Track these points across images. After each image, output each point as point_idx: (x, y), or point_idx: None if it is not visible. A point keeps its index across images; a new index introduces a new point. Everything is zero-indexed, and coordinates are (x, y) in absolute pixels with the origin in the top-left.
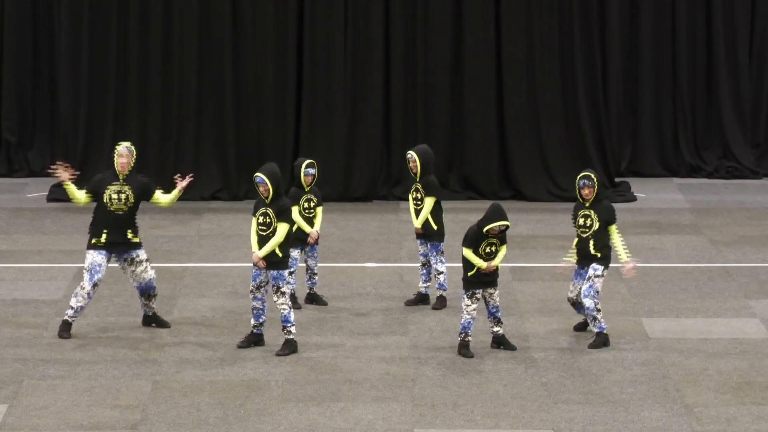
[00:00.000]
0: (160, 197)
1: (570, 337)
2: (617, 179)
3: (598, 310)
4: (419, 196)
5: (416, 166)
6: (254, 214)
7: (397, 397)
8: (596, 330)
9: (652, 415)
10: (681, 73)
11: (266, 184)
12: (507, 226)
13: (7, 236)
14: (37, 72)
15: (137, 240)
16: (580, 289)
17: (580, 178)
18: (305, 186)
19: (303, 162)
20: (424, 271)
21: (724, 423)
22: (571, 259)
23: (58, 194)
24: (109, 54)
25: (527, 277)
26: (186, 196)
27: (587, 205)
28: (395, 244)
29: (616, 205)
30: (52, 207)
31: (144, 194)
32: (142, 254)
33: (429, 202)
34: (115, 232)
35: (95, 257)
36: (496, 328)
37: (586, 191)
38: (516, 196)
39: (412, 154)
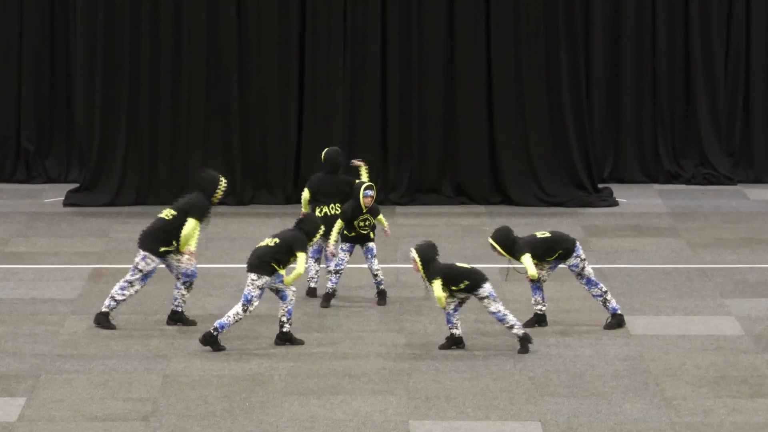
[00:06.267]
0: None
1: (556, 334)
2: (600, 185)
3: (605, 292)
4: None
5: None
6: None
7: (393, 391)
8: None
9: (633, 408)
10: (661, 86)
11: None
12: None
13: (25, 239)
14: (54, 85)
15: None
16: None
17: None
18: (364, 208)
19: (362, 185)
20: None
21: (701, 415)
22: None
23: (74, 199)
24: (122, 67)
25: (516, 277)
26: None
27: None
28: (391, 246)
29: (599, 210)
30: (68, 211)
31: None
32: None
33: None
34: None
35: None
36: (513, 331)
37: (496, 254)
38: (505, 201)
39: None
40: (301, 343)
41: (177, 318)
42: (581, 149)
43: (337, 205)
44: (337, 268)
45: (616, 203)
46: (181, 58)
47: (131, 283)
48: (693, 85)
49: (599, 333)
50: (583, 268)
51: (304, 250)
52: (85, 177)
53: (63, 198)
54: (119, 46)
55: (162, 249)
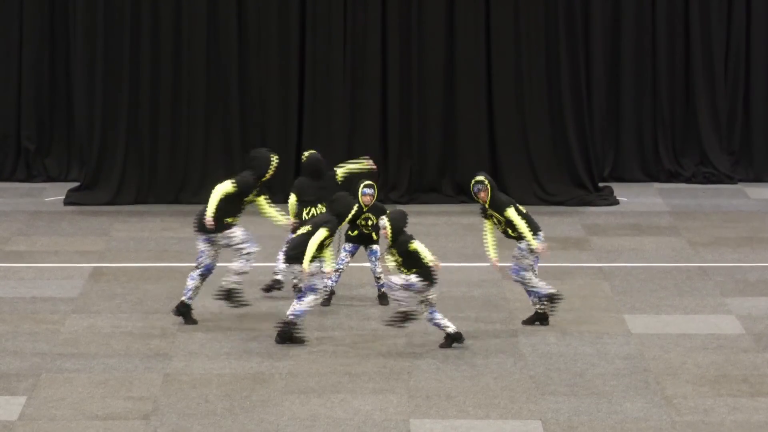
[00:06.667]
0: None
1: (556, 333)
2: (601, 184)
3: (528, 280)
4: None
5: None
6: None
7: (394, 389)
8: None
9: (634, 406)
10: (661, 85)
11: None
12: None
13: (26, 238)
14: (54, 84)
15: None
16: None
17: (473, 184)
18: (363, 206)
19: (361, 183)
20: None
21: (702, 414)
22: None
23: (75, 198)
24: (122, 66)
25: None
26: (194, 200)
27: (487, 206)
28: None
29: (599, 209)
30: (69, 210)
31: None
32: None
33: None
34: None
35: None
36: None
37: (481, 195)
38: None
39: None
40: (301, 341)
41: (184, 311)
42: (581, 148)
43: (324, 205)
44: (338, 266)
45: (616, 202)
46: (181, 58)
47: (247, 257)
48: (693, 84)
49: (600, 332)
50: (524, 258)
51: (329, 228)
52: (86, 176)
53: (63, 197)
54: (119, 46)
55: (226, 220)
